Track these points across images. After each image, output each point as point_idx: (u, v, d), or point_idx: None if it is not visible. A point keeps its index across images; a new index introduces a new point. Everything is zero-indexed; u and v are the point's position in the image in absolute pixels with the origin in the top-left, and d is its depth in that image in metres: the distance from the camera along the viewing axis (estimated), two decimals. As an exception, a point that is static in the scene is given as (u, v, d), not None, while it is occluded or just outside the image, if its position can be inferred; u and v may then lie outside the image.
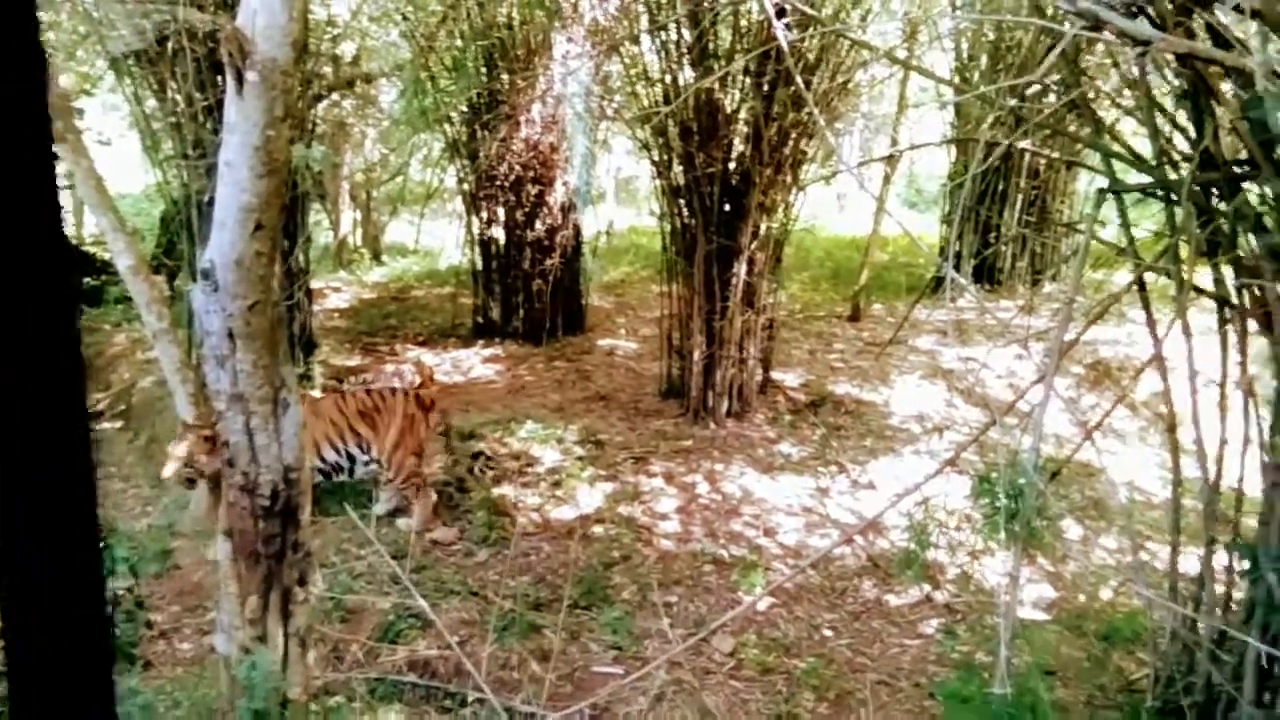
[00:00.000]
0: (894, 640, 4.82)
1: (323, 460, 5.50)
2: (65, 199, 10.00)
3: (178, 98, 6.36)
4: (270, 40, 2.64)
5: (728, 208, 7.00)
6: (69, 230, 10.11)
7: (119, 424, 7.73)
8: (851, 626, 4.92)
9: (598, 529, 5.67)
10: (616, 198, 15.16)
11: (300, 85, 6.01)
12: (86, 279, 9.53)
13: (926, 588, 5.21)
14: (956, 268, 9.83)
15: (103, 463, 6.94)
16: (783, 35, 4.64)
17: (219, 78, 6.05)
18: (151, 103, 6.90)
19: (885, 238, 10.15)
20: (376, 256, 13.90)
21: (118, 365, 8.38)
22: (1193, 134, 3.38)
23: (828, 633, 4.85)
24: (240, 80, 2.71)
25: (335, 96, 10.08)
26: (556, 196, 9.00)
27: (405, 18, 8.52)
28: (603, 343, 9.17)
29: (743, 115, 6.95)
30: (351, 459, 5.60)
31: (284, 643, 3.44)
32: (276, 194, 2.84)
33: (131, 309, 8.60)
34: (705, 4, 6.39)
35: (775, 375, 7.71)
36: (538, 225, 8.99)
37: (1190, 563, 4.12)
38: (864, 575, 5.39)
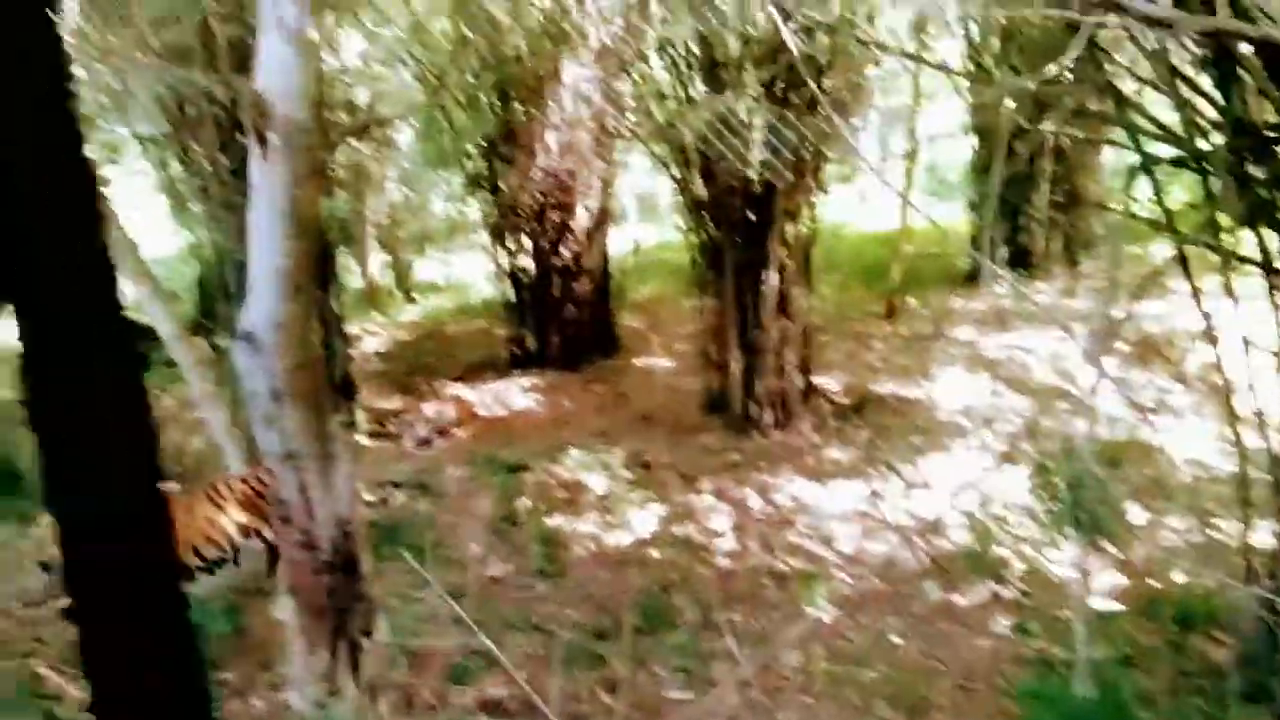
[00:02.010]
0: (965, 641, 4.73)
1: (201, 559, 5.08)
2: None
3: (202, 160, 6.46)
4: (289, 102, 2.66)
5: (752, 217, 6.97)
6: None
7: (175, 486, 7.85)
8: (920, 630, 4.84)
9: (653, 552, 5.64)
10: (639, 215, 15.18)
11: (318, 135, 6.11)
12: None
13: (993, 585, 5.11)
14: (989, 254, 9.72)
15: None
16: (792, 42, 4.63)
17: (238, 135, 6.16)
18: (176, 166, 7.03)
19: (913, 230, 10.04)
20: (407, 296, 14.03)
21: (166, 427, 8.52)
22: (1219, 101, 3.30)
23: (896, 639, 4.77)
24: (263, 143, 2.74)
25: (353, 142, 10.21)
26: (580, 221, 9.02)
27: (416, 60, 8.61)
28: (639, 363, 9.16)
29: (758, 123, 6.92)
30: (235, 550, 5.15)
31: (356, 693, 3.45)
32: (309, 253, 2.87)
33: (174, 372, 8.75)
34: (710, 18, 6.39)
35: (816, 380, 7.64)
36: (564, 251, 9.02)
37: (1263, 537, 4.00)
38: (927, 577, 5.30)
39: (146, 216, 10.27)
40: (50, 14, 0.48)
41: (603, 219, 9.31)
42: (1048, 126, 7.32)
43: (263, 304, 2.86)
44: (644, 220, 15.40)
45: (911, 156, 9.65)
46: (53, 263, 0.50)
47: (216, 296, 7.56)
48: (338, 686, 3.44)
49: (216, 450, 6.80)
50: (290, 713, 3.93)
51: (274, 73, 2.59)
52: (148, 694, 0.55)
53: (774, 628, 4.85)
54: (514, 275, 9.25)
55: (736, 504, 6.17)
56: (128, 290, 9.43)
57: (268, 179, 2.70)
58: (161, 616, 0.56)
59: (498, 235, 9.23)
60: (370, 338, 11.40)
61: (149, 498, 0.55)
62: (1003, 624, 4.86)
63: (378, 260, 14.32)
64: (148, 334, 9.52)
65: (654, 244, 14.05)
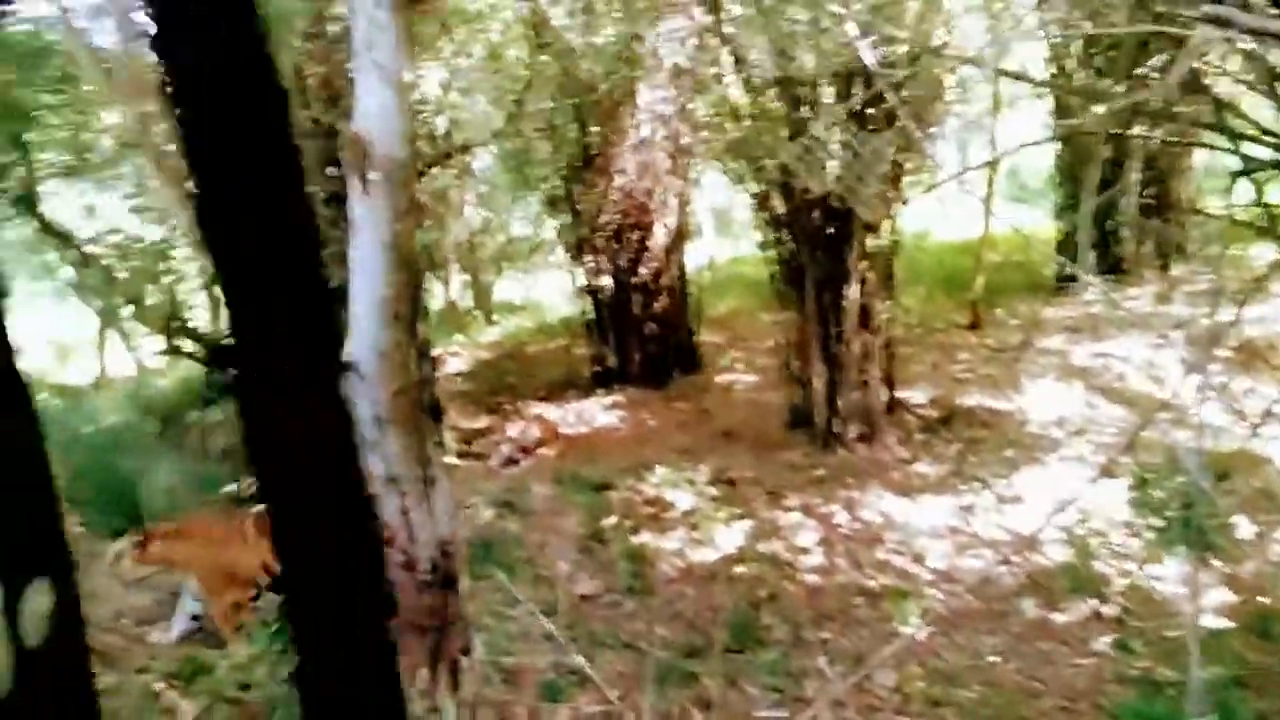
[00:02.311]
0: (1065, 661, 4.61)
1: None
2: (206, 298, 10.62)
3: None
4: (388, 141, 2.77)
5: (832, 231, 6.94)
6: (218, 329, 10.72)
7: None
8: (1018, 649, 4.73)
9: (740, 569, 5.63)
10: (715, 231, 15.22)
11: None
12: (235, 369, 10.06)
13: (1093, 602, 4.98)
14: (1076, 260, 9.48)
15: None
16: (869, 57, 4.61)
17: (328, 170, 6.37)
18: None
19: (996, 238, 9.86)
20: (488, 317, 14.30)
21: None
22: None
23: (993, 658, 4.68)
24: (364, 181, 2.85)
25: (435, 170, 10.48)
26: (658, 239, 9.09)
27: (494, 87, 8.81)
28: (720, 378, 9.17)
29: (835, 137, 6.90)
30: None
31: (454, 711, 3.52)
32: (408, 283, 2.97)
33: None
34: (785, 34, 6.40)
35: (901, 394, 7.55)
36: (642, 269, 9.10)
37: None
38: (1023, 594, 5.18)
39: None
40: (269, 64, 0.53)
41: (680, 236, 9.37)
42: (1138, 131, 7.13)
43: (365, 334, 2.97)
44: (721, 235, 15.44)
45: (993, 164, 9.48)
46: (278, 298, 0.54)
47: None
48: (437, 704, 3.52)
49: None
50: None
51: (373, 114, 2.71)
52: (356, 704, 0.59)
53: (866, 646, 4.79)
54: (593, 294, 9.36)
55: (823, 520, 6.12)
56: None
57: (370, 214, 2.81)
58: (373, 631, 0.59)
59: (576, 255, 9.36)
60: (454, 359, 11.64)
61: (362, 523, 0.59)
62: (1104, 642, 4.72)
63: (457, 282, 14.64)
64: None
65: (730, 259, 14.07)
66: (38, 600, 1.03)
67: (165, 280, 9.91)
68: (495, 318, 14.24)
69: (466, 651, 3.47)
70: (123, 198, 9.24)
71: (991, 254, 9.51)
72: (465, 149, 10.55)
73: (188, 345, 10.51)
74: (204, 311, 11.13)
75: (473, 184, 13.28)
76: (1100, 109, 7.79)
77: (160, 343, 10.54)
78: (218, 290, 10.06)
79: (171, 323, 10.02)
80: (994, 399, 7.57)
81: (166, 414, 10.04)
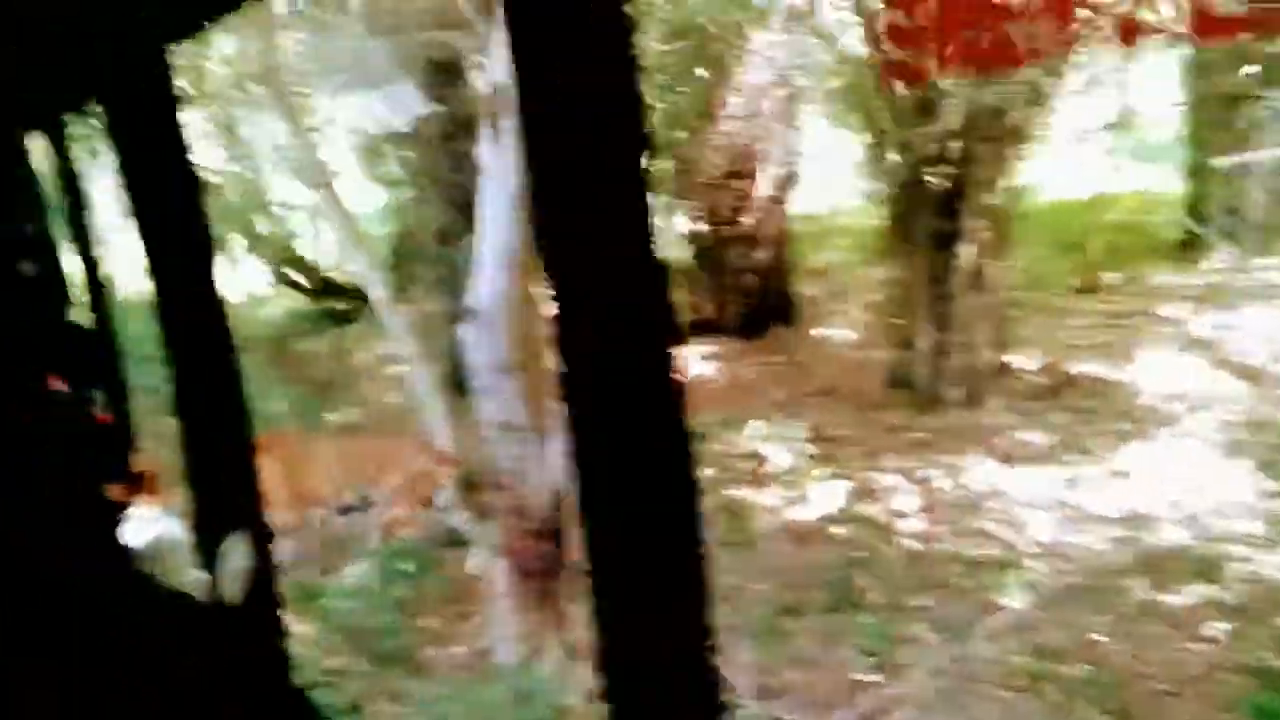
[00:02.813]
0: (1175, 645, 4.46)
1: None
2: (321, 234, 10.87)
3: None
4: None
5: (948, 185, 6.70)
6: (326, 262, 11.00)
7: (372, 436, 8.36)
8: (1125, 630, 4.59)
9: (837, 529, 5.58)
10: (820, 181, 14.86)
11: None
12: (338, 302, 10.37)
13: (1209, 587, 4.79)
14: (1205, 224, 9.01)
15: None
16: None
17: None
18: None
19: (1116, 198, 9.40)
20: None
21: (365, 381, 9.06)
22: None
23: (1099, 637, 4.55)
24: (496, 129, 2.82)
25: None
26: (760, 188, 8.92)
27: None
28: (819, 333, 9.02)
29: (954, 87, 6.62)
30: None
31: (559, 655, 3.59)
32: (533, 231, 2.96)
33: (375, 329, 9.27)
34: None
35: (1008, 358, 7.31)
36: (743, 219, 8.95)
37: None
38: (1132, 573, 5.01)
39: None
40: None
41: (784, 186, 9.16)
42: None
43: (489, 280, 2.98)
44: (824, 186, 15.07)
45: (1119, 121, 9.01)
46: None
47: (406, 257, 7.96)
48: (541, 647, 3.59)
49: (411, 406, 7.20)
50: (492, 666, 4.14)
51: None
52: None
53: (965, 616, 4.71)
54: (693, 241, 9.26)
55: (923, 484, 6.01)
56: (345, 254, 10.01)
57: (500, 162, 2.79)
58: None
59: (677, 201, 9.25)
60: (550, 302, 11.70)
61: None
62: (1219, 629, 4.54)
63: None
64: (350, 292, 10.19)
65: (829, 209, 13.74)
66: (235, 557, 1.05)
67: (277, 212, 10.19)
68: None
69: (573, 599, 3.52)
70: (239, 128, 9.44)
71: (1111, 214, 9.07)
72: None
73: (296, 276, 10.84)
74: (311, 244, 11.42)
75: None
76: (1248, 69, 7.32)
77: (270, 272, 10.90)
78: (324, 223, 10.28)
79: (282, 253, 10.32)
80: (1107, 368, 7.28)
81: (273, 342, 10.37)
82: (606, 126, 0.50)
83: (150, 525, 1.26)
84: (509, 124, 2.79)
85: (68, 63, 1.07)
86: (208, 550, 1.03)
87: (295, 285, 11.14)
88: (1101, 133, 11.01)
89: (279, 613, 1.10)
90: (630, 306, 0.54)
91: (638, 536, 0.54)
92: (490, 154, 2.84)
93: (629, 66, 0.50)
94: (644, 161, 0.52)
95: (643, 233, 0.53)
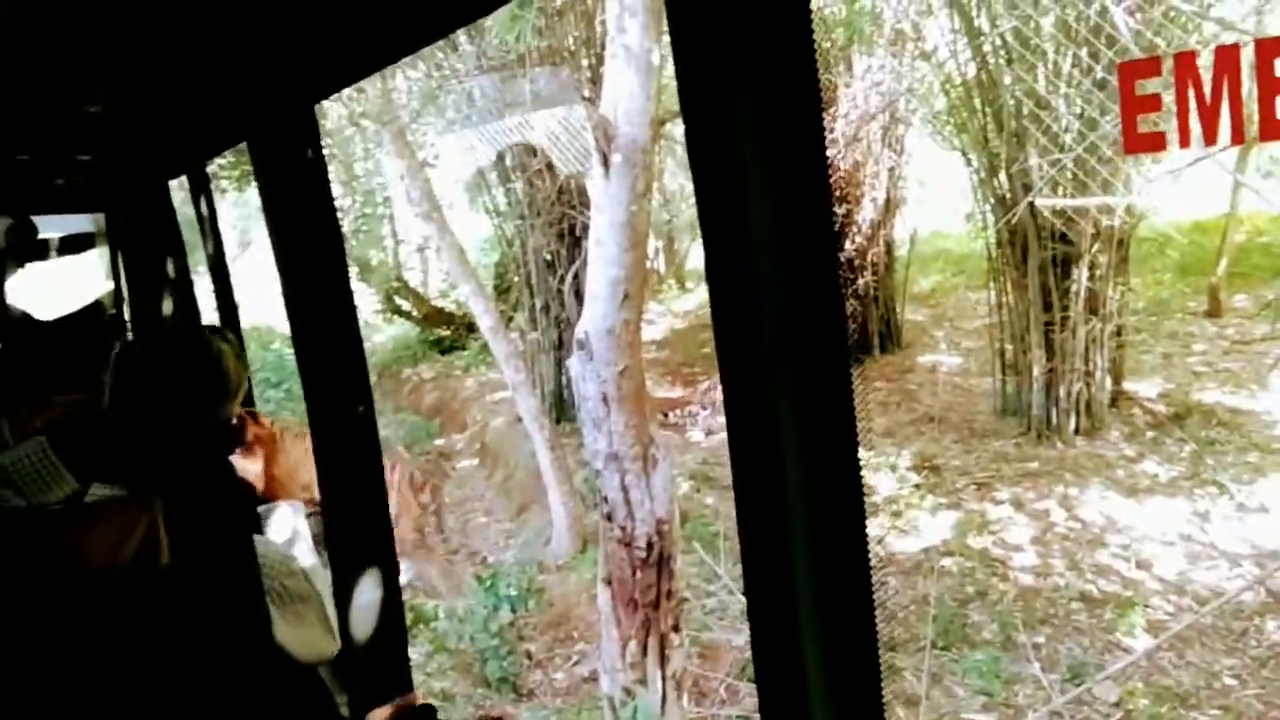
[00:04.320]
0: (1315, 692, 4.19)
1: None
2: (430, 264, 11.21)
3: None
4: (632, 122, 2.78)
5: (1061, 207, 6.49)
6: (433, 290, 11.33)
7: (475, 461, 8.53)
8: (1258, 674, 4.33)
9: (946, 562, 5.43)
10: (923, 204, 14.61)
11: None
12: (446, 331, 10.66)
13: (1353, 631, 4.48)
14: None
15: (467, 498, 7.68)
16: (1124, 24, 4.24)
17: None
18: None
19: (1242, 217, 8.93)
20: (681, 284, 14.35)
21: (470, 408, 9.26)
22: None
23: (1229, 680, 4.30)
24: (606, 163, 2.87)
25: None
26: (865, 213, 8.82)
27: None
28: (923, 359, 8.83)
29: (1073, 110, 6.42)
30: None
31: (662, 685, 3.58)
32: (640, 264, 2.99)
33: (481, 356, 9.48)
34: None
35: (1127, 386, 7.01)
36: (847, 244, 8.85)
37: None
38: (1266, 614, 4.72)
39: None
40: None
41: (889, 210, 9.04)
42: None
43: (597, 311, 3.02)
44: (932, 210, 14.82)
45: (1247, 138, 8.57)
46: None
47: (513, 285, 8.11)
48: (645, 676, 3.59)
49: (516, 432, 7.33)
50: (597, 693, 4.16)
51: (620, 97, 2.72)
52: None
53: (1084, 655, 4.52)
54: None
55: (1037, 516, 5.80)
56: (454, 283, 10.22)
57: (609, 196, 2.84)
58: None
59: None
60: (648, 326, 11.77)
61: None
62: (1362, 675, 4.25)
63: (652, 247, 14.75)
64: (458, 321, 10.47)
65: (932, 232, 13.45)
66: (366, 593, 1.09)
67: (388, 243, 10.55)
68: (689, 285, 14.27)
69: (677, 628, 3.51)
70: (353, 163, 9.81)
71: (1238, 235, 8.64)
72: (665, 120, 10.59)
73: (405, 305, 11.18)
74: (419, 274, 11.78)
75: (670, 150, 13.31)
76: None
77: (380, 302, 11.27)
78: (433, 253, 10.58)
79: (392, 283, 10.68)
80: (1235, 396, 6.91)
81: (382, 369, 10.71)
82: (785, 140, 0.51)
83: (287, 521, 1.31)
84: (618, 157, 2.84)
85: (217, 111, 1.14)
86: (341, 580, 1.07)
87: (404, 313, 11.49)
88: (1226, 150, 10.49)
89: (404, 647, 1.14)
90: (805, 324, 0.54)
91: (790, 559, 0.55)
92: (599, 186, 2.89)
93: (811, 72, 0.50)
94: (824, 180, 0.52)
95: (826, 247, 0.53)
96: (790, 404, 0.54)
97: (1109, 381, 6.84)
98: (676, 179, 14.48)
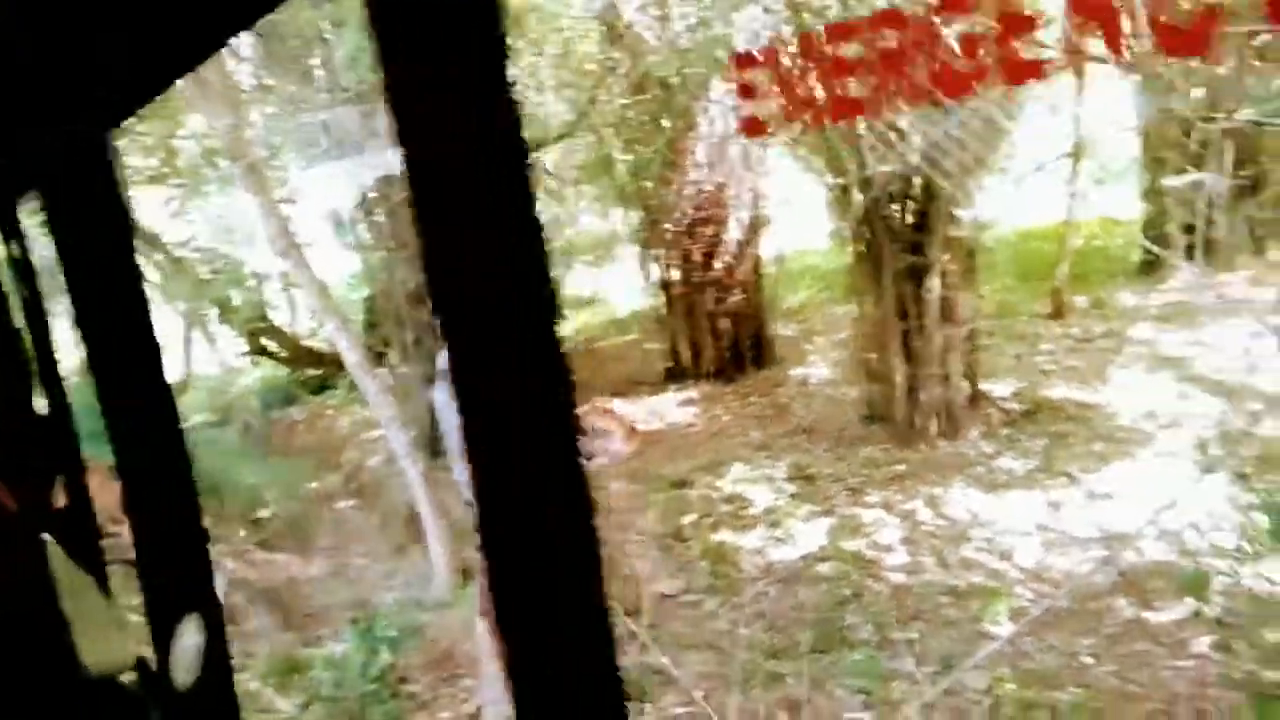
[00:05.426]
0: (1163, 663, 4.47)
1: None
2: (296, 303, 10.87)
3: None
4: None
5: (911, 220, 6.82)
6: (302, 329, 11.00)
7: (353, 502, 8.31)
8: (1113, 651, 4.60)
9: (823, 567, 5.58)
10: (788, 223, 15.06)
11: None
12: (317, 370, 10.35)
13: (1192, 602, 4.81)
14: (1165, 244, 9.18)
15: (348, 540, 7.45)
16: (953, 40, 4.50)
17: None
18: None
19: (1078, 223, 9.56)
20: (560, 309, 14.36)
21: (345, 448, 9.02)
22: None
23: (1087, 659, 4.56)
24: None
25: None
26: (731, 233, 9.05)
27: (566, 84, 8.85)
28: (794, 372, 9.08)
29: (916, 126, 6.76)
30: None
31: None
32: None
33: (353, 395, 9.23)
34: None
35: (983, 387, 7.39)
36: (716, 263, 9.06)
37: None
38: (1117, 594, 5.03)
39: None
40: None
41: (754, 229, 9.30)
42: (1229, 111, 6.86)
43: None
44: (793, 227, 15.26)
45: (1077, 149, 9.21)
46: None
47: (382, 320, 7.98)
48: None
49: (392, 470, 7.17)
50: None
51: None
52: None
53: (955, 647, 4.71)
54: (667, 288, 9.35)
55: (906, 517, 6.04)
56: (320, 321, 9.99)
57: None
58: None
59: (649, 249, 9.36)
60: (526, 354, 11.71)
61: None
62: (1204, 644, 4.56)
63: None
64: (325, 360, 10.18)
65: (800, 250, 13.89)
66: (188, 638, 1.06)
67: (250, 283, 10.20)
68: (565, 313, 14.28)
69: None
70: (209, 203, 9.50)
71: (1074, 240, 9.24)
72: (538, 145, 10.63)
73: (272, 345, 10.83)
74: (286, 312, 11.44)
75: (542, 179, 13.36)
76: (1195, 91, 7.52)
77: (245, 343, 10.89)
78: (298, 293, 10.28)
79: (256, 324, 10.33)
80: (1080, 391, 7.37)
81: (250, 413, 10.33)
82: (487, 152, 0.52)
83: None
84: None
85: (9, 151, 1.09)
86: (157, 630, 1.04)
87: (271, 354, 11.12)
88: (1060, 160, 11.23)
89: (233, 696, 1.11)
90: (520, 338, 0.56)
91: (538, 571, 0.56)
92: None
93: (505, 91, 0.52)
94: (530, 189, 0.54)
95: (534, 255, 0.55)
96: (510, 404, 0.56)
97: (965, 384, 7.19)
98: (549, 208, 14.55)
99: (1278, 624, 4.54)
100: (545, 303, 0.57)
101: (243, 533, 6.34)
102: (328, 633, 5.23)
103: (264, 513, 6.85)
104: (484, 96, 0.51)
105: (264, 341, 10.85)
